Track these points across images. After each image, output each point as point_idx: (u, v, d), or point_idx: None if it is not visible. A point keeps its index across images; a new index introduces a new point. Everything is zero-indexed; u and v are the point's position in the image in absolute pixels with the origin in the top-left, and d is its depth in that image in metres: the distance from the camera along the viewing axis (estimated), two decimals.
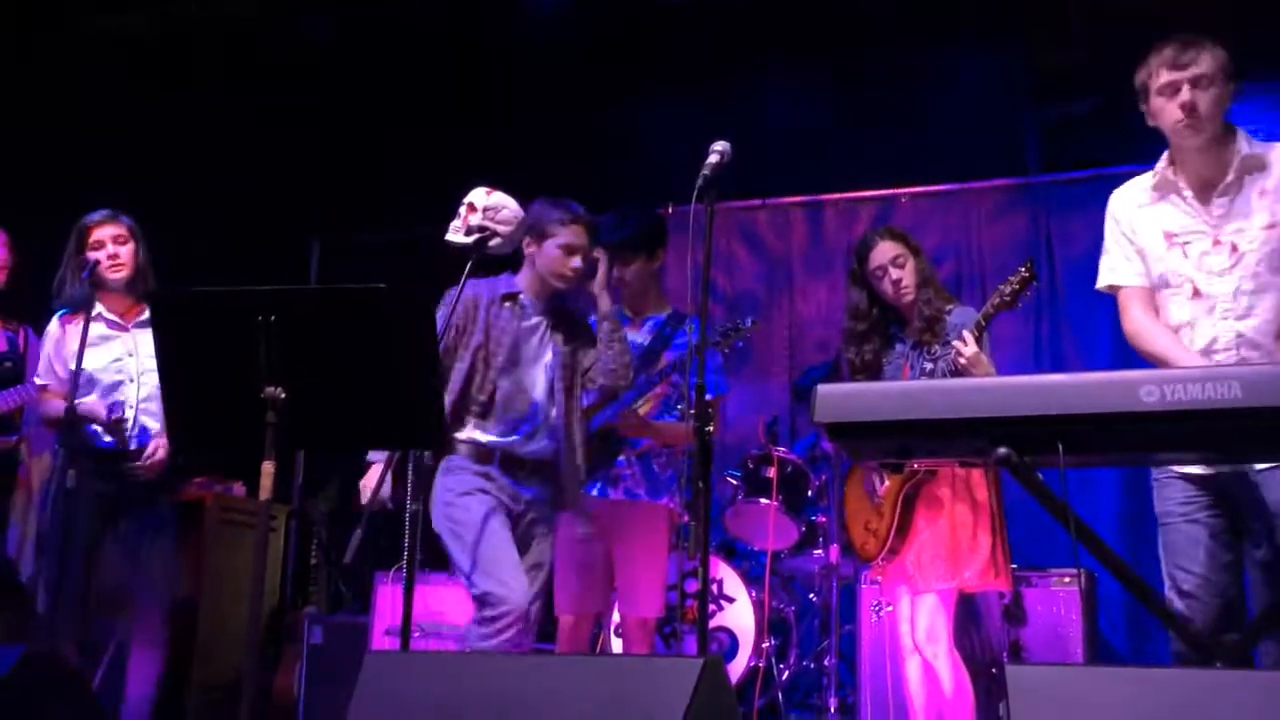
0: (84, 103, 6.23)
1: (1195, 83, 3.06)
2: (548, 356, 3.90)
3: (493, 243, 3.76)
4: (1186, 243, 3.15)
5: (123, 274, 4.30)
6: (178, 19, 6.47)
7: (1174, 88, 3.08)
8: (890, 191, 6.60)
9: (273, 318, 2.84)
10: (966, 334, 3.72)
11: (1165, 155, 3.22)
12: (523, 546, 3.83)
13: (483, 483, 3.78)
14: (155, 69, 6.47)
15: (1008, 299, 3.72)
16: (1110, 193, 5.98)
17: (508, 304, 3.88)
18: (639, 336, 4.36)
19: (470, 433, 3.81)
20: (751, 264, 6.91)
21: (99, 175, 6.12)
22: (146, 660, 4.23)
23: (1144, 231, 3.22)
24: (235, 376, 2.88)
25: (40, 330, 4.72)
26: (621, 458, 4.24)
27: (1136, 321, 3.23)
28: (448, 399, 3.74)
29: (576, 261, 3.89)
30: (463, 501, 3.74)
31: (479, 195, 3.81)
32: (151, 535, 4.27)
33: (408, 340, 2.93)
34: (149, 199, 6.16)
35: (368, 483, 3.92)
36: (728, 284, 6.80)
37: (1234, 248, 3.09)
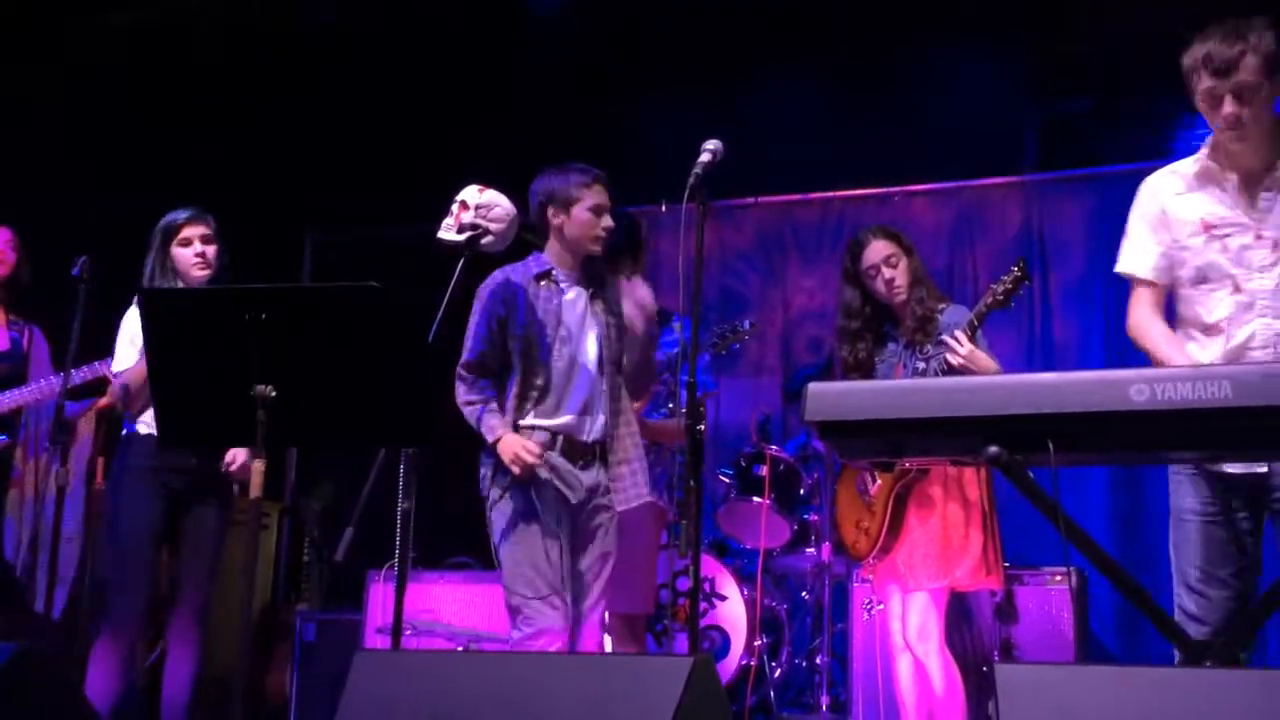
0: (82, 98, 6.21)
1: (1239, 94, 2.93)
2: (594, 328, 3.85)
3: (485, 240, 3.75)
4: (1226, 235, 3.05)
5: (208, 273, 4.25)
6: (174, 14, 6.46)
7: (1216, 97, 2.96)
8: (884, 190, 6.60)
9: (263, 316, 2.84)
10: (960, 334, 3.71)
11: (1208, 141, 3.11)
12: (587, 538, 3.78)
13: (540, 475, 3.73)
14: (151, 64, 6.45)
15: (1000, 298, 3.72)
16: (1105, 191, 6.04)
17: (543, 283, 3.82)
18: None
19: (532, 419, 3.77)
20: (745, 262, 6.90)
21: (96, 171, 6.12)
22: (184, 659, 4.20)
23: (1180, 220, 3.12)
24: (226, 374, 2.87)
25: (47, 330, 4.72)
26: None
27: (1140, 317, 3.18)
28: (510, 391, 3.73)
29: (608, 220, 3.87)
30: (512, 497, 3.71)
31: (471, 193, 3.80)
32: (212, 527, 4.24)
33: (399, 338, 2.92)
34: (144, 194, 6.16)
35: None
36: (720, 282, 6.80)
37: (1276, 244, 3.01)
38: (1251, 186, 3.05)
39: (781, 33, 6.42)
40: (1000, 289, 3.72)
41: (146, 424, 4.12)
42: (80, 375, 4.34)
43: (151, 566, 4.13)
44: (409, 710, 2.48)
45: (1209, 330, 3.10)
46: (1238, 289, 3.05)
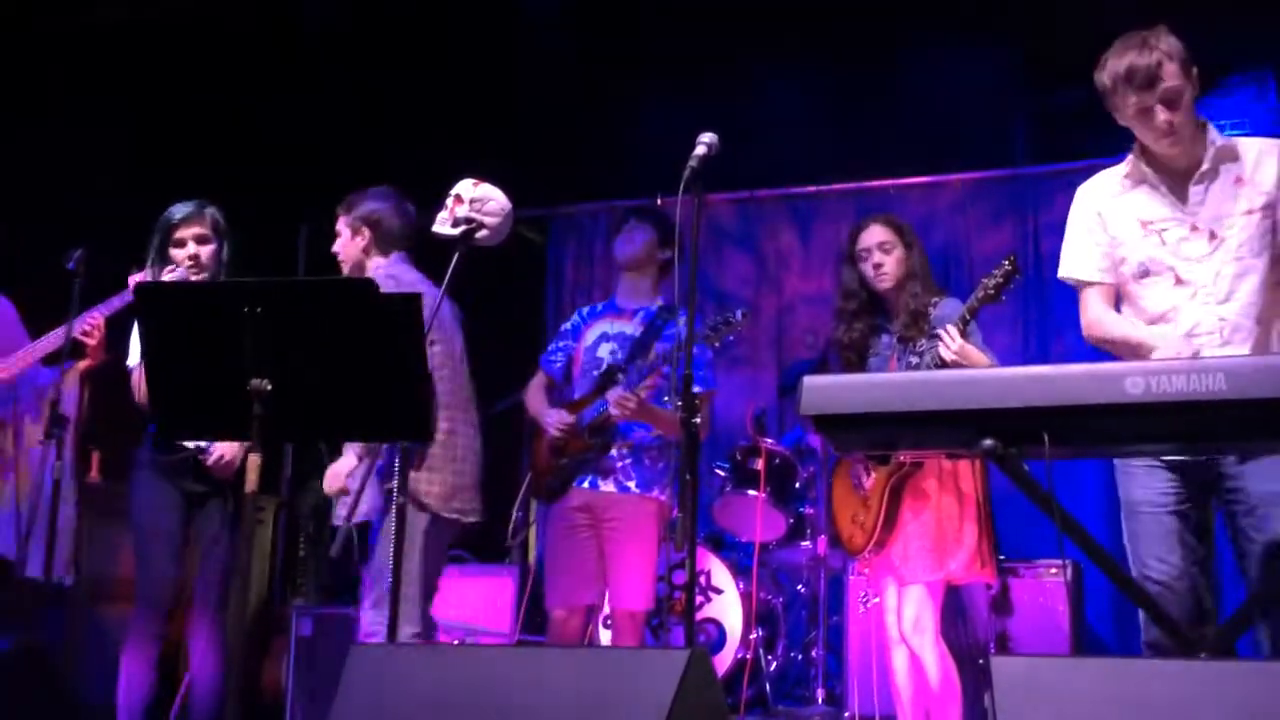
0: (73, 91, 6.20)
1: (1167, 102, 3.04)
2: None
3: (479, 234, 3.75)
4: (1163, 229, 3.16)
5: (202, 276, 4.24)
6: (171, 9, 6.45)
7: (1145, 109, 3.05)
8: (878, 183, 6.61)
9: (258, 310, 2.83)
10: (951, 328, 3.71)
11: (1136, 145, 3.23)
12: None
13: None
14: (146, 55, 6.44)
15: (991, 293, 3.72)
16: None
17: None
18: (631, 327, 4.37)
19: None
20: (739, 256, 6.91)
21: (91, 165, 6.11)
22: (210, 659, 4.21)
23: (1118, 221, 3.23)
24: (221, 369, 2.87)
25: (41, 324, 4.69)
26: (614, 451, 4.24)
27: (1095, 313, 3.26)
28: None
29: None
30: None
31: (466, 187, 3.79)
32: (216, 535, 4.25)
33: (395, 332, 2.92)
34: (137, 185, 6.16)
35: (340, 470, 3.96)
36: (715, 276, 6.81)
37: (1212, 234, 3.11)
38: (1182, 183, 3.16)
39: (775, 27, 6.41)
40: (991, 283, 3.72)
41: None
42: (53, 341, 4.35)
43: (176, 563, 4.14)
44: (405, 704, 2.48)
45: (1155, 321, 3.17)
46: (1179, 280, 3.14)
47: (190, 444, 4.16)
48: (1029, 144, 6.63)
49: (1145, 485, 3.11)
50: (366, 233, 4.06)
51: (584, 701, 2.33)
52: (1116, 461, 3.22)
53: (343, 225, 4.13)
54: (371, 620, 3.75)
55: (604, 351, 4.35)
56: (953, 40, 6.14)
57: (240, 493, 4.20)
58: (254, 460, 2.92)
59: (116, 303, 4.35)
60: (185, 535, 4.18)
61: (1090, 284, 3.28)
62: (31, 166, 5.83)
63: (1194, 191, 3.14)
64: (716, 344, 4.19)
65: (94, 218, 5.52)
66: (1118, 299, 3.29)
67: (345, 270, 4.09)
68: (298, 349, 2.87)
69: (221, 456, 4.18)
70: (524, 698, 2.38)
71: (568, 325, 4.55)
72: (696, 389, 4.20)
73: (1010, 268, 3.70)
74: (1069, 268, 3.34)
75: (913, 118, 6.32)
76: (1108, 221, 3.25)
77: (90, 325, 4.30)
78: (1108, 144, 6.12)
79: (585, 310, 4.56)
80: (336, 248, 4.13)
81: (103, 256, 4.39)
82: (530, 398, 4.48)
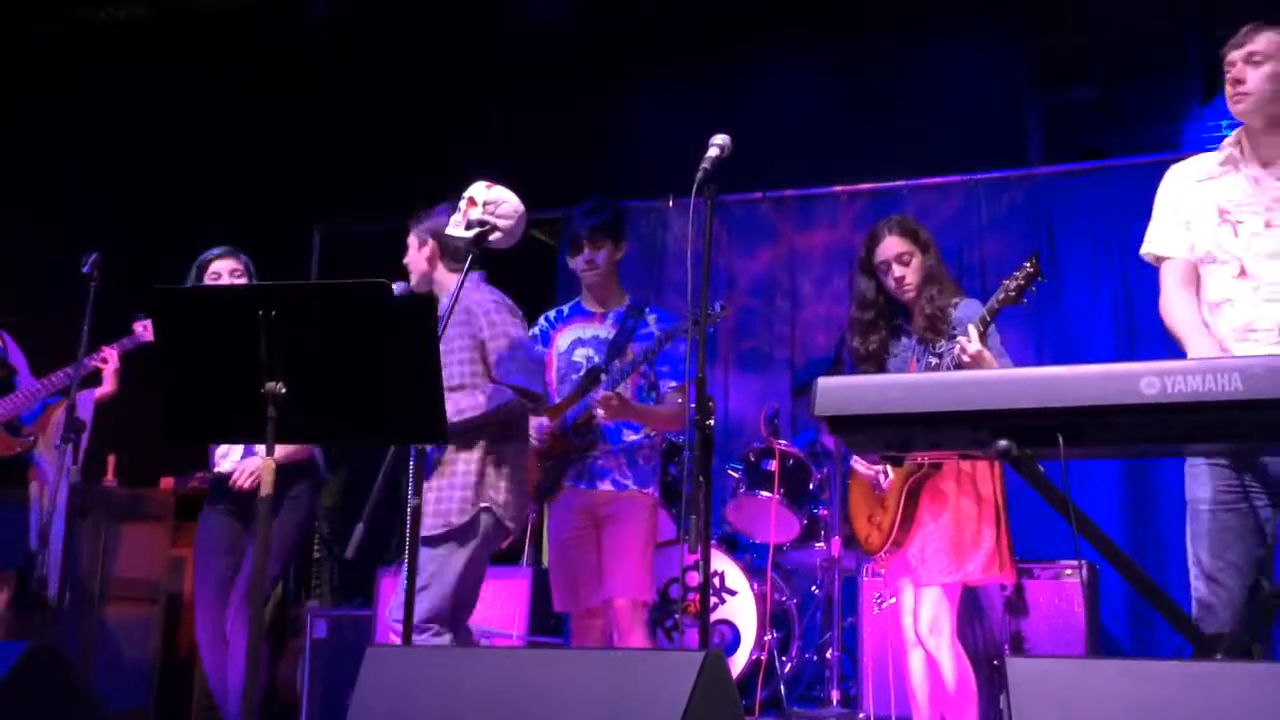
0: (81, 93, 6.23)
1: (1248, 58, 3.12)
2: None
3: (493, 237, 3.76)
4: (1239, 221, 3.15)
5: None
6: (178, 9, 6.47)
7: (1230, 66, 3.15)
8: (892, 183, 6.59)
9: (273, 313, 2.84)
10: (971, 329, 3.70)
11: (1235, 132, 3.24)
12: None
13: None
14: (155, 59, 6.46)
15: (1012, 294, 3.70)
16: (1113, 184, 6.03)
17: None
18: (604, 330, 4.40)
19: None
20: (752, 256, 6.90)
21: (95, 166, 6.13)
22: (237, 652, 4.38)
23: (1196, 206, 3.22)
24: (236, 371, 2.88)
25: (17, 334, 4.79)
26: (598, 451, 4.25)
27: (1169, 294, 3.25)
28: None
29: None
30: None
31: (479, 190, 3.80)
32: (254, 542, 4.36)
33: (408, 334, 2.92)
34: (149, 190, 6.18)
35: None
36: (728, 276, 6.79)
37: None
38: (1270, 176, 3.15)
39: (789, 27, 6.41)
40: (1013, 285, 3.70)
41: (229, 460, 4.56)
42: (62, 378, 4.61)
43: (222, 573, 4.49)
44: (420, 706, 2.48)
45: (1214, 308, 3.16)
46: (1244, 272, 3.12)
47: (222, 470, 4.52)
48: (1043, 143, 6.61)
49: (1205, 483, 3.08)
50: (431, 244, 4.07)
51: (599, 703, 2.32)
52: (1186, 461, 3.17)
53: (412, 237, 4.14)
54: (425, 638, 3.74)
55: (580, 355, 4.38)
56: (967, 39, 6.14)
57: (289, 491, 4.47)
58: (269, 464, 2.93)
59: (128, 344, 4.70)
60: (237, 564, 4.49)
61: (1167, 258, 3.27)
62: (39, 169, 5.85)
63: (1275, 185, 3.14)
64: (695, 337, 4.20)
65: (105, 222, 5.54)
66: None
67: (413, 281, 4.10)
68: (312, 352, 2.88)
69: (243, 473, 4.43)
70: (539, 699, 2.38)
71: (535, 332, 4.55)
72: (673, 383, 4.24)
73: (1032, 269, 3.68)
74: (1150, 244, 3.33)
75: (927, 117, 6.31)
76: (1188, 203, 3.25)
77: (106, 356, 4.62)
78: (1122, 142, 6.14)
79: (551, 315, 4.56)
80: (406, 259, 4.15)
81: (118, 261, 4.43)
82: None
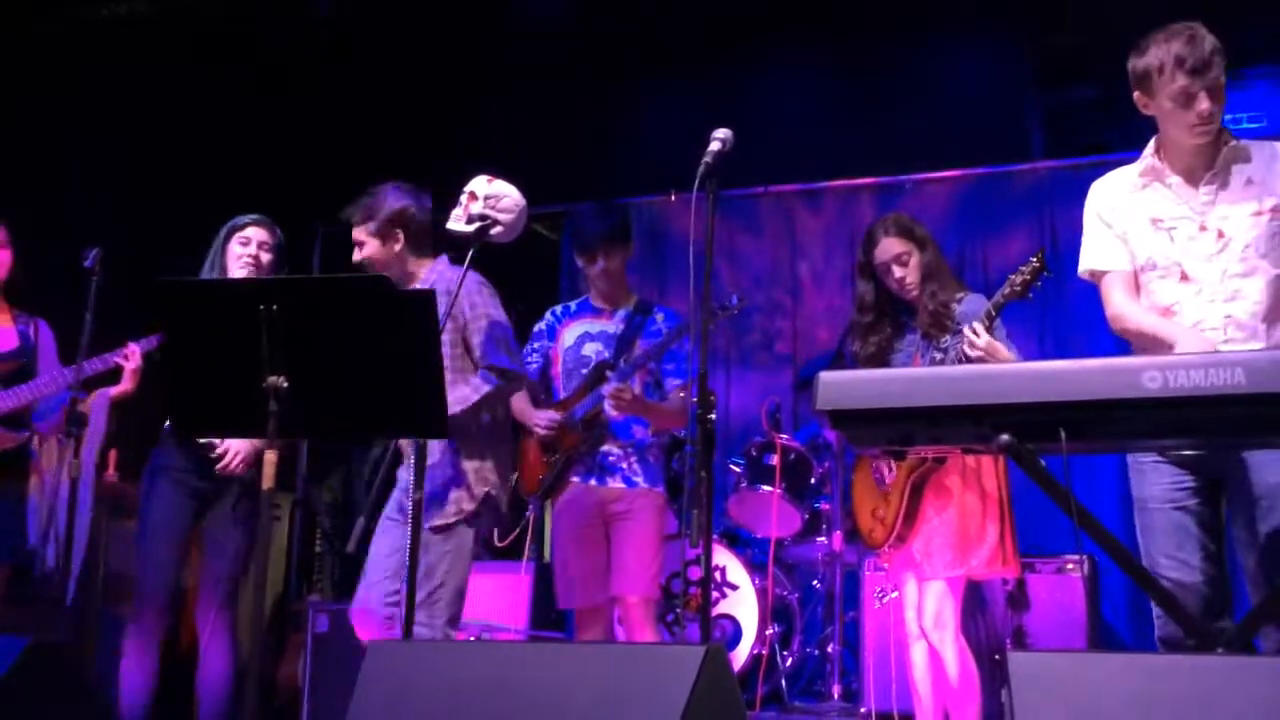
0: (83, 91, 6.22)
1: (1212, 93, 3.07)
2: None
3: (494, 231, 3.76)
4: (1173, 228, 3.18)
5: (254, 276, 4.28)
6: (178, 7, 6.46)
7: (1190, 95, 3.07)
8: (894, 178, 6.58)
9: (275, 307, 2.84)
10: (977, 325, 3.70)
11: (1153, 142, 3.26)
12: None
13: None
14: (156, 56, 6.46)
15: (1018, 289, 3.70)
16: None
17: None
18: (612, 327, 4.40)
19: None
20: (753, 252, 6.90)
21: (99, 165, 6.12)
22: (217, 654, 4.28)
23: (1128, 218, 3.25)
24: (238, 365, 2.88)
25: (64, 330, 4.73)
26: (606, 448, 4.25)
27: (1119, 305, 3.26)
28: None
29: None
30: None
31: (480, 184, 3.80)
32: (225, 532, 4.30)
33: (409, 328, 2.92)
34: (149, 190, 6.18)
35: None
36: (730, 271, 6.79)
37: (1220, 233, 3.13)
38: (1192, 181, 3.19)
39: (790, 23, 6.40)
40: (1019, 280, 3.70)
41: None
42: (93, 366, 4.38)
43: (174, 565, 4.23)
44: (421, 700, 2.48)
45: (1163, 313, 3.19)
46: (1185, 277, 3.16)
47: (202, 440, 4.21)
48: (1044, 139, 6.60)
49: (1154, 481, 3.13)
50: (400, 235, 3.91)
51: (601, 697, 2.33)
52: (1128, 458, 3.22)
53: (365, 235, 3.94)
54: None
55: (590, 350, 4.38)
56: (969, 35, 6.13)
57: (249, 489, 4.27)
58: (270, 457, 2.93)
59: (153, 341, 4.43)
60: (192, 535, 4.26)
61: (1108, 272, 3.29)
62: (39, 169, 5.85)
63: (1204, 191, 3.17)
64: (711, 328, 4.19)
65: (105, 221, 5.54)
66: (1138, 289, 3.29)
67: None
68: (314, 346, 2.88)
69: (237, 454, 4.21)
70: (540, 694, 2.38)
71: (541, 327, 4.55)
72: (678, 381, 4.24)
73: (1038, 264, 3.69)
74: (1087, 261, 3.35)
75: (928, 113, 6.30)
76: (1120, 217, 3.27)
77: (129, 352, 4.37)
78: (1123, 139, 6.12)
79: (558, 310, 4.56)
80: (364, 256, 3.92)
81: (118, 260, 4.42)
82: (515, 401, 4.49)
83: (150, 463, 4.31)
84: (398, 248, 3.92)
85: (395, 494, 3.91)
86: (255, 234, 4.38)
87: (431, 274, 3.94)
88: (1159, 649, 3.03)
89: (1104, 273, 3.30)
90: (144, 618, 4.19)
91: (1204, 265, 3.13)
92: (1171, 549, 3.06)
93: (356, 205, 3.97)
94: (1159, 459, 3.12)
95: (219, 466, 4.25)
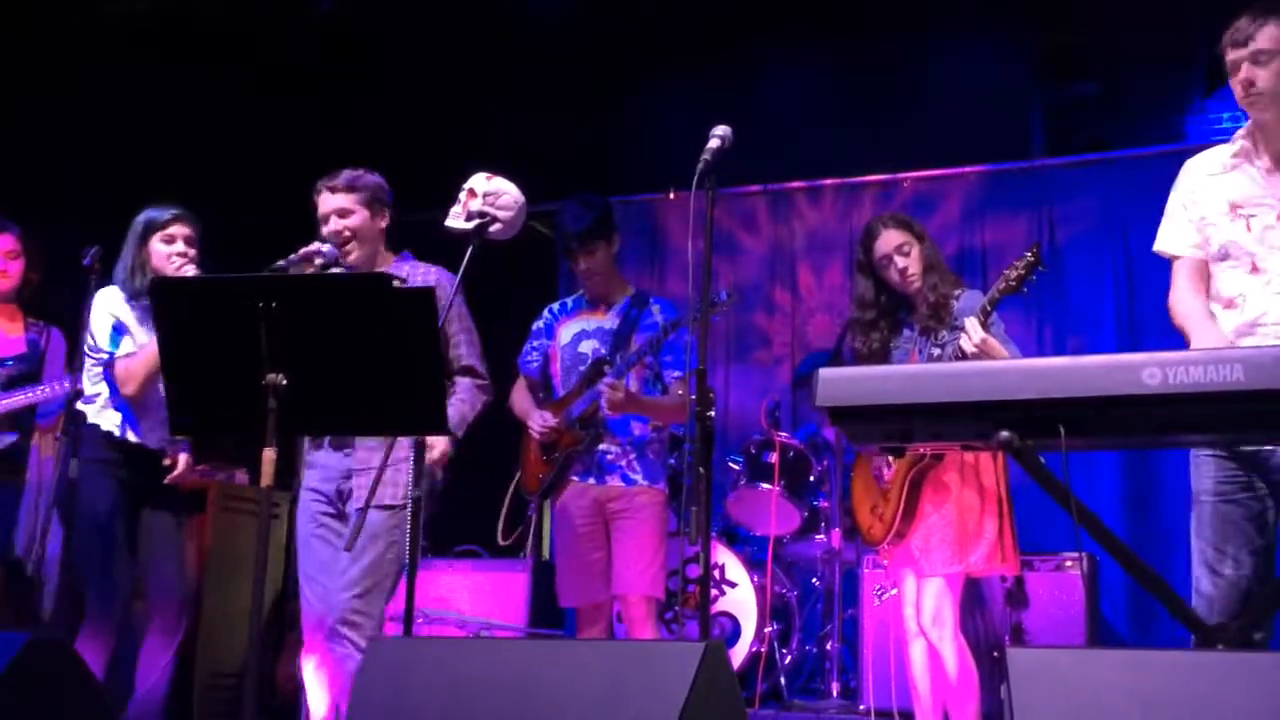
0: (83, 91, 6.22)
1: (1254, 59, 3.06)
2: None
3: (493, 228, 3.75)
4: (1251, 215, 3.13)
5: (191, 272, 4.26)
6: (178, 6, 6.46)
7: (1236, 67, 3.09)
8: (894, 176, 6.59)
9: (274, 304, 2.84)
10: (973, 321, 3.70)
11: (1247, 124, 3.22)
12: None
13: None
14: (155, 58, 6.46)
15: (1013, 284, 3.69)
16: (1116, 175, 6.03)
17: None
18: (608, 322, 4.39)
19: None
20: (753, 249, 6.90)
21: (102, 164, 6.12)
22: (159, 659, 4.27)
23: (1208, 200, 3.21)
24: (237, 363, 2.87)
25: (67, 330, 4.73)
26: (604, 446, 4.25)
27: (1177, 293, 3.25)
28: None
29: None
30: None
31: (479, 180, 3.79)
32: (172, 524, 4.30)
33: (409, 326, 2.92)
34: (149, 190, 6.17)
35: None
36: (729, 269, 6.80)
37: None
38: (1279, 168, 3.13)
39: (790, 21, 6.40)
40: (1013, 274, 3.69)
41: (108, 420, 4.23)
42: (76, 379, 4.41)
43: (123, 555, 4.20)
44: (422, 697, 2.48)
45: (1227, 305, 3.16)
46: (1255, 268, 3.11)
47: (153, 446, 4.24)
48: (1045, 136, 6.60)
49: (1206, 474, 3.08)
50: (386, 214, 3.97)
51: (600, 694, 2.33)
52: (1190, 452, 3.18)
53: (355, 203, 3.91)
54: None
55: (586, 347, 4.38)
56: (969, 33, 6.13)
57: (184, 498, 4.30)
58: (269, 455, 2.92)
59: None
60: (131, 532, 4.22)
61: (1178, 257, 3.27)
62: (39, 169, 5.85)
63: None
64: (698, 329, 4.19)
65: (105, 221, 5.53)
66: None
67: (355, 252, 3.86)
68: (313, 343, 2.88)
69: (189, 464, 4.27)
70: (540, 691, 2.38)
71: (540, 325, 4.54)
72: (677, 373, 4.23)
73: (1033, 258, 3.68)
74: (1162, 242, 3.33)
75: (930, 114, 6.30)
76: (1200, 199, 3.23)
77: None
78: (1125, 136, 6.13)
79: (556, 308, 4.56)
80: (353, 224, 3.88)
81: (117, 257, 4.42)
82: (516, 399, 4.50)
83: (81, 452, 4.19)
84: (382, 225, 3.98)
85: (306, 500, 3.98)
86: (180, 230, 4.29)
87: (403, 267, 3.95)
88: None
89: (1173, 256, 3.28)
90: (100, 615, 4.14)
91: (1275, 256, 3.08)
92: (1217, 541, 3.03)
93: (337, 175, 3.99)
94: (1215, 452, 3.07)
95: (171, 476, 4.25)
